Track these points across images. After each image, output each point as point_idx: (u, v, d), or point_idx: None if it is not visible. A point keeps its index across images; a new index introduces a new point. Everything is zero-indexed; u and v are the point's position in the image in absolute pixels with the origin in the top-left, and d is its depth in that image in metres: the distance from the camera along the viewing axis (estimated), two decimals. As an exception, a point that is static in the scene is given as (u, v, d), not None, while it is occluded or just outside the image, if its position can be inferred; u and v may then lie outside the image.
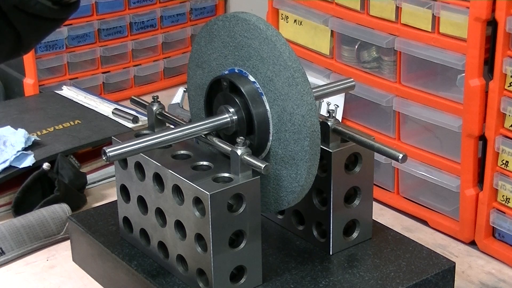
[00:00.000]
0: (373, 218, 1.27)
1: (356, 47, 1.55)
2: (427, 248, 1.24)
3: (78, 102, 1.86)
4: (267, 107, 1.12)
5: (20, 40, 1.10)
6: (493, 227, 1.38)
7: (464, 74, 1.34)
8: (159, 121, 1.23)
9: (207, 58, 1.21)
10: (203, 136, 1.16)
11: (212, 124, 1.15)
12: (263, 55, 1.11)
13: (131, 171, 1.21)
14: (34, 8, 1.06)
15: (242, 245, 1.11)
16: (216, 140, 1.15)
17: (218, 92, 1.18)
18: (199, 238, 1.11)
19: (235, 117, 1.15)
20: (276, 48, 1.09)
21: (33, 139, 1.60)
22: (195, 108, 1.26)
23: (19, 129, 1.61)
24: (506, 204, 1.34)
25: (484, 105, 1.33)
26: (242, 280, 1.14)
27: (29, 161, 1.53)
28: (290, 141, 1.10)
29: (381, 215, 1.52)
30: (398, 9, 1.43)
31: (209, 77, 1.20)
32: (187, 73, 1.27)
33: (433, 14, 1.37)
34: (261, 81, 1.12)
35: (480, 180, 1.38)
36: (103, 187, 1.64)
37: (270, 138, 1.13)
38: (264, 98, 1.12)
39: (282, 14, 1.68)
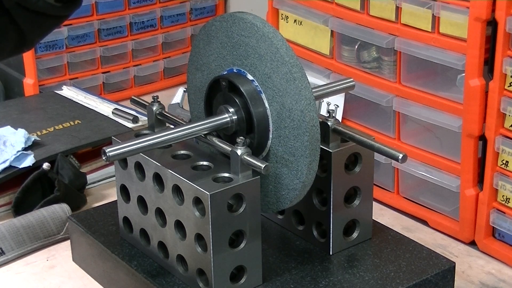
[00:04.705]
0: (373, 218, 1.27)
1: (356, 47, 1.55)
2: (427, 248, 1.24)
3: (78, 102, 1.86)
4: (266, 105, 1.12)
5: (23, 36, 1.10)
6: (493, 227, 1.38)
7: (464, 74, 1.34)
8: (159, 121, 1.23)
9: (206, 60, 1.21)
10: (203, 136, 1.16)
11: (212, 124, 1.15)
12: (261, 52, 1.11)
13: (131, 171, 1.21)
14: (36, 5, 1.06)
15: (242, 245, 1.11)
16: (216, 140, 1.15)
17: (217, 92, 1.18)
18: (199, 238, 1.11)
19: (234, 117, 1.15)
20: (273, 45, 1.09)
21: (33, 139, 1.60)
22: (196, 112, 1.26)
23: (19, 129, 1.61)
24: (506, 204, 1.34)
25: (484, 105, 1.33)
26: (242, 280, 1.14)
27: (29, 161, 1.53)
28: (290, 137, 1.10)
29: (381, 215, 1.52)
30: (398, 9, 1.43)
31: (209, 79, 1.20)
32: (187, 76, 1.27)
33: (433, 14, 1.37)
34: (259, 79, 1.13)
35: (480, 180, 1.38)
36: (103, 187, 1.64)
37: (270, 136, 1.13)
38: (263, 95, 1.12)
39: (282, 14, 1.68)
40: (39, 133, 1.67)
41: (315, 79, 1.59)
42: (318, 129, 1.09)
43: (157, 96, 1.24)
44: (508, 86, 1.29)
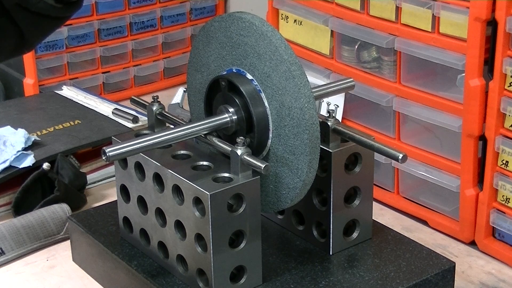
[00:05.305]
0: (373, 218, 1.27)
1: (356, 47, 1.55)
2: (427, 248, 1.24)
3: (78, 102, 1.86)
4: (266, 104, 1.12)
5: (23, 38, 1.10)
6: (493, 227, 1.38)
7: (464, 74, 1.34)
8: (159, 121, 1.23)
9: (205, 61, 1.21)
10: (203, 136, 1.16)
11: (212, 124, 1.15)
12: (260, 51, 1.11)
13: (131, 171, 1.21)
14: (36, 6, 1.06)
15: (242, 245, 1.11)
16: (216, 140, 1.15)
17: (217, 92, 1.18)
18: (199, 238, 1.11)
19: (234, 117, 1.15)
20: (272, 43, 1.09)
21: (33, 139, 1.60)
22: (196, 113, 1.26)
23: (19, 129, 1.61)
24: (506, 204, 1.34)
25: (484, 105, 1.33)
26: (242, 280, 1.14)
27: (29, 161, 1.53)
28: (290, 136, 1.10)
29: (381, 215, 1.52)
30: (398, 9, 1.43)
31: (208, 80, 1.20)
32: (187, 78, 1.27)
33: (433, 14, 1.37)
34: (258, 78, 1.13)
35: (480, 180, 1.38)
36: (103, 187, 1.64)
37: (270, 135, 1.13)
38: (263, 95, 1.12)
39: (282, 14, 1.68)
40: (39, 133, 1.67)
41: (315, 79, 1.59)
42: (318, 127, 1.09)
43: (157, 96, 1.24)
44: (508, 86, 1.29)
